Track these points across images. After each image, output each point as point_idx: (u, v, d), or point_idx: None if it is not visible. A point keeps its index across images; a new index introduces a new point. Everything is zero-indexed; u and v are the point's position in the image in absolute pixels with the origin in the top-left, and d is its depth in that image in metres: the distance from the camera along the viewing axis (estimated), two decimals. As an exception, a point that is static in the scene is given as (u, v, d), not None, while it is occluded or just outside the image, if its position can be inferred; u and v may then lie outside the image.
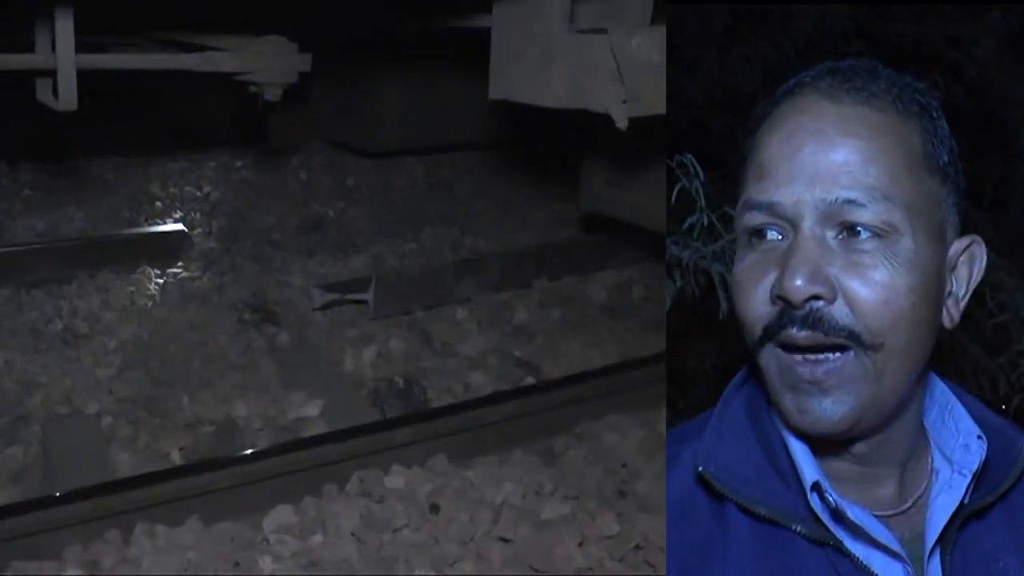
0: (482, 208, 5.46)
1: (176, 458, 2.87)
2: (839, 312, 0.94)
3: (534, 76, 2.47)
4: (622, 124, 2.30)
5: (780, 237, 0.98)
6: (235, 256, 4.30)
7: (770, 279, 0.97)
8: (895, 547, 1.00)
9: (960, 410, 1.09)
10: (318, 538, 2.45)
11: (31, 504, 2.37)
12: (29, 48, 2.65)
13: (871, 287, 0.93)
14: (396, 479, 2.69)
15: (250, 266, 4.22)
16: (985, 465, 1.04)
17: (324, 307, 3.85)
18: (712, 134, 2.55)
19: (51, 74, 2.46)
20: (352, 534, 2.45)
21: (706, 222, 1.77)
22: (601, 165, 3.88)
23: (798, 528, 1.00)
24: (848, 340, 0.94)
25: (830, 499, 0.98)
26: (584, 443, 3.05)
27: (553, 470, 2.85)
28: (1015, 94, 2.69)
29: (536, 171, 5.80)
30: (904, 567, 1.00)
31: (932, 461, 1.08)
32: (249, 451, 2.76)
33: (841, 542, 1.00)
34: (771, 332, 0.97)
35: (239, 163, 5.47)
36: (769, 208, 0.97)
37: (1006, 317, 2.30)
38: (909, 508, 1.05)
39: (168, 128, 5.40)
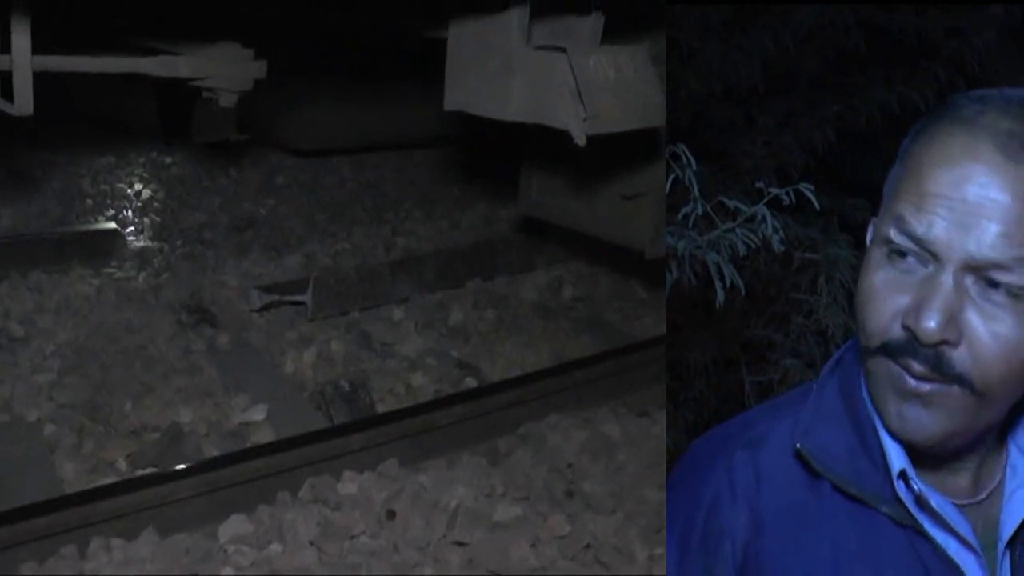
0: (411, 207, 5.48)
1: (123, 466, 2.84)
2: (960, 358, 1.00)
3: (493, 90, 2.51)
4: (581, 141, 2.36)
5: (919, 264, 1.01)
6: (169, 255, 4.24)
7: (902, 302, 1.02)
8: (970, 539, 1.07)
9: None
10: (276, 547, 2.46)
11: (-17, 520, 2.33)
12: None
13: (996, 340, 0.99)
14: (349, 485, 2.72)
15: (185, 265, 4.17)
16: None
17: (262, 308, 3.83)
18: (712, 127, 2.58)
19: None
20: (311, 543, 2.47)
21: (700, 211, 1.80)
22: (539, 171, 3.94)
23: (884, 509, 1.08)
24: (960, 384, 1.00)
25: (915, 487, 1.06)
26: (528, 444, 3.12)
27: (501, 472, 2.91)
28: (1016, 86, 2.72)
29: (462, 171, 5.85)
30: (977, 558, 1.08)
31: (1008, 456, 1.15)
32: (201, 461, 2.75)
33: (922, 525, 1.08)
34: (891, 351, 1.03)
35: (168, 159, 5.38)
36: (920, 242, 1.00)
37: None
38: (984, 499, 1.13)
39: (92, 123, 5.27)
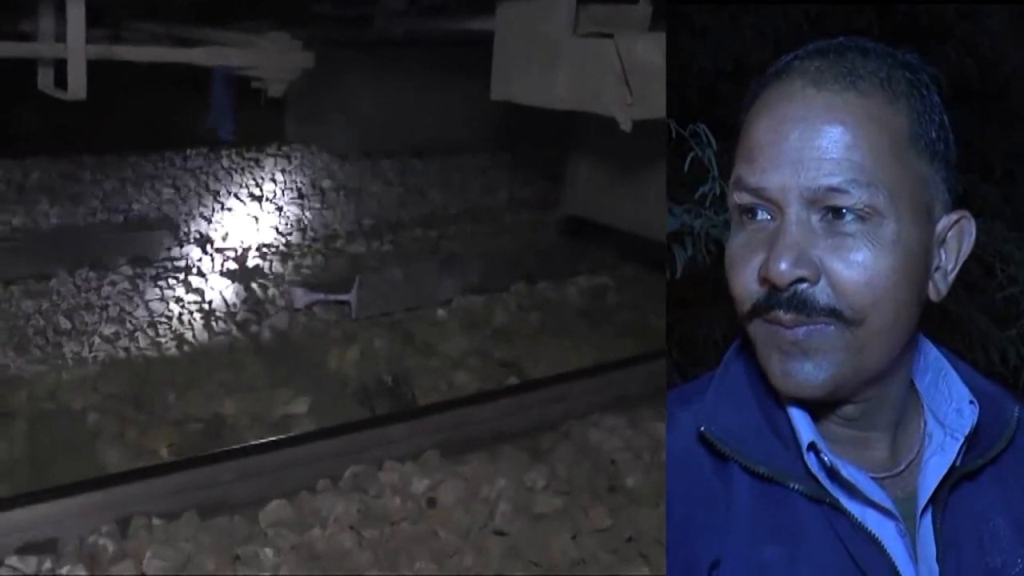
0: (456, 211, 5.49)
1: (165, 454, 2.86)
2: (821, 293, 0.97)
3: (539, 78, 2.51)
4: (627, 126, 2.34)
5: (769, 217, 1.01)
6: (215, 256, 4.27)
7: (758, 259, 1.00)
8: (887, 504, 1.03)
9: (953, 375, 1.12)
10: (317, 531, 2.45)
11: (27, 497, 2.35)
12: (22, 36, 2.64)
13: (853, 268, 0.97)
14: (390, 474, 2.70)
15: (231, 265, 4.20)
16: (976, 429, 1.08)
17: (307, 307, 3.85)
18: (723, 103, 2.55)
19: (55, 63, 2.46)
20: (351, 527, 2.46)
21: (718, 191, 1.79)
22: (585, 169, 3.93)
23: (796, 486, 1.03)
24: (830, 318, 0.98)
25: (825, 458, 1.02)
26: (571, 441, 3.09)
27: (543, 466, 2.88)
28: (1027, 67, 2.69)
29: (507, 176, 5.85)
30: (897, 525, 1.04)
31: (925, 425, 1.11)
32: (243, 445, 2.76)
33: (837, 500, 1.03)
34: (759, 310, 1.01)
35: (214, 163, 5.44)
36: (756, 192, 1.00)
37: (1016, 290, 2.29)
38: (903, 471, 1.09)
39: (141, 126, 5.37)
